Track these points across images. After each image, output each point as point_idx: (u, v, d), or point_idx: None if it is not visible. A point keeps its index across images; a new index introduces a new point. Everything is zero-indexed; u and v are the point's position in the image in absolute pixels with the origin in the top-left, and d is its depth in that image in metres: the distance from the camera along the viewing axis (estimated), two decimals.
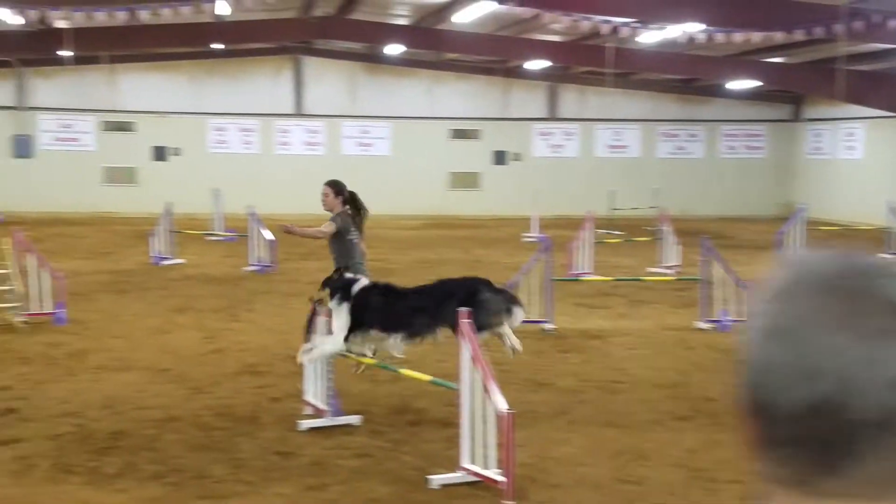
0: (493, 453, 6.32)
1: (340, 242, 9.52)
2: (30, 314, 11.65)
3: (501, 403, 6.17)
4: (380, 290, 8.21)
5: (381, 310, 7.98)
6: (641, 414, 8.29)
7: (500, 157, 31.04)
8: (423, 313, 7.93)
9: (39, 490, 6.30)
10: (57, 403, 8.27)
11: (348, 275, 8.37)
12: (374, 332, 8.01)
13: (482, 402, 6.41)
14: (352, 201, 9.87)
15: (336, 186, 9.90)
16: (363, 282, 8.29)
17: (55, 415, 7.94)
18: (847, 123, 29.29)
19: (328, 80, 30.09)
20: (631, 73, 29.19)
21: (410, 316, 7.92)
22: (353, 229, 9.65)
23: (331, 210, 9.75)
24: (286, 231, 9.72)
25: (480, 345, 6.69)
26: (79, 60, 26.75)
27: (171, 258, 17.83)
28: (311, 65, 29.95)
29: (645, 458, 7.12)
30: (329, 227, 9.52)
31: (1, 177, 27.90)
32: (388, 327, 7.94)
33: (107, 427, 7.65)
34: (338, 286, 8.14)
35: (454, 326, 7.09)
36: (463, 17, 21.26)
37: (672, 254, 17.76)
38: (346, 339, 7.97)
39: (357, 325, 7.96)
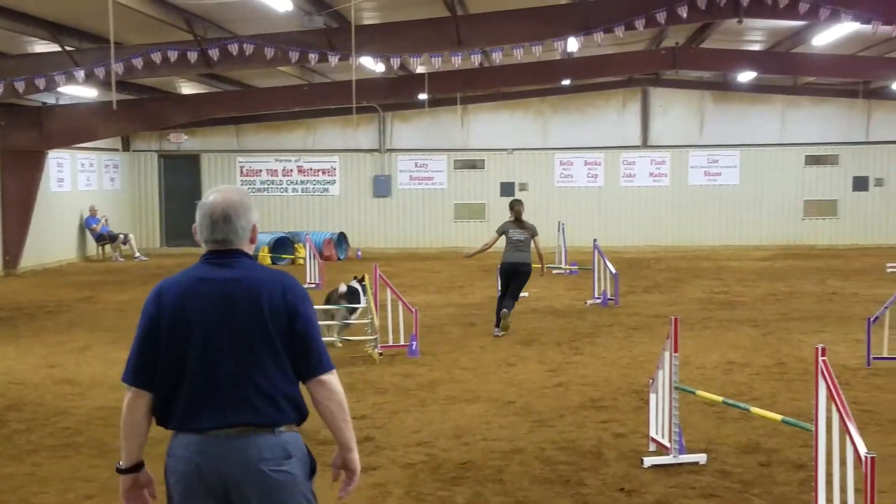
0: (851, 499, 5.89)
1: (504, 241, 13.67)
2: (386, 346, 12.40)
3: (861, 446, 5.74)
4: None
5: None
6: None
7: (860, 183, 29.21)
8: None
9: None
10: (409, 433, 8.68)
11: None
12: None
13: (839, 443, 6.01)
14: (511, 210, 13.94)
15: (510, 204, 14.13)
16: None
17: (408, 444, 8.30)
18: None
19: (675, 110, 29.78)
20: None
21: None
22: (510, 230, 13.66)
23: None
24: (468, 256, 14.62)
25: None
26: (433, 103, 28.35)
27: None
28: (659, 96, 29.79)
29: None
30: (490, 238, 13.99)
31: (362, 215, 30.07)
32: None
33: (456, 457, 7.91)
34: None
35: None
36: (822, 40, 20.28)
37: None
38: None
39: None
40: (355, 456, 3.89)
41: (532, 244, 13.68)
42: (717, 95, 29.54)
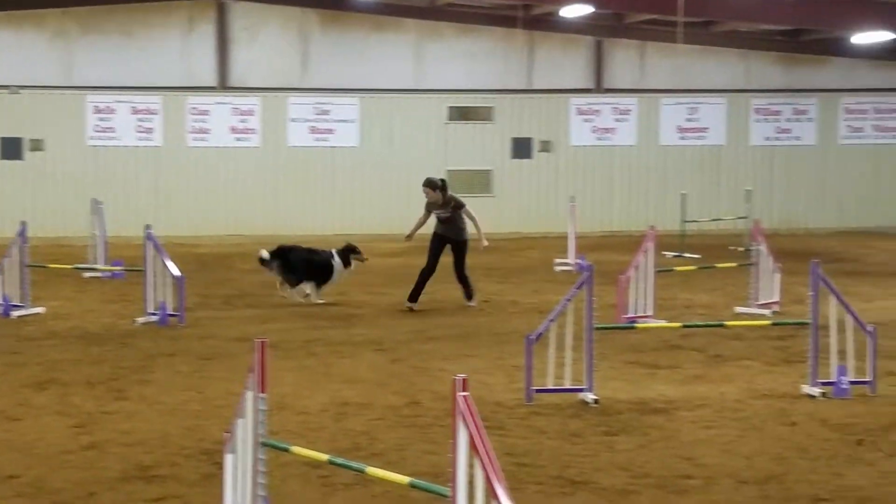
0: None
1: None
2: None
3: None
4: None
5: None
6: None
7: (521, 148, 31.15)
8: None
9: None
10: None
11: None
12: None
13: None
14: (444, 190, 19.11)
15: (429, 184, 19.12)
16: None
17: None
18: None
19: (267, 37, 30.24)
20: (712, 22, 29.31)
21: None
22: (436, 210, 19.08)
23: (434, 202, 19.04)
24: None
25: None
26: None
27: (26, 306, 17.85)
28: (243, 14, 30.10)
29: None
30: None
31: None
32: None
33: None
34: None
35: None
36: None
37: (770, 286, 17.77)
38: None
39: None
40: None
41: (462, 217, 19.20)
42: (326, 17, 30.33)
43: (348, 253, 19.56)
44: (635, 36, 31.13)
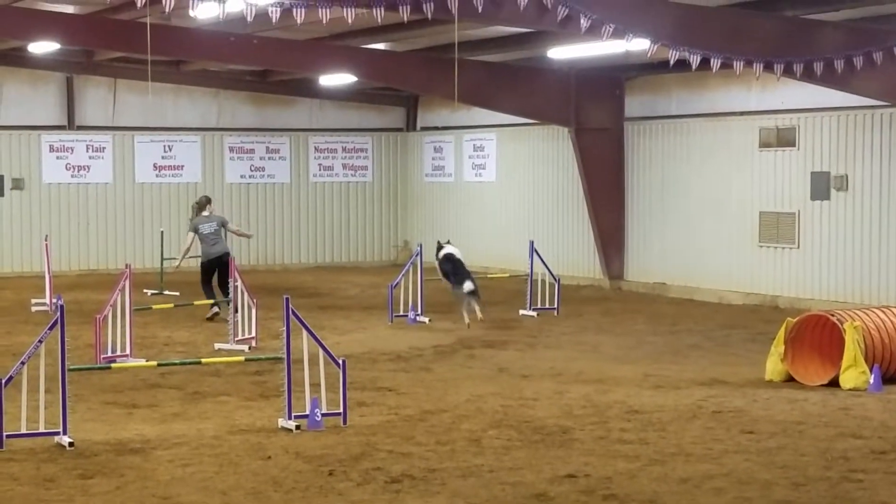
0: None
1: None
2: None
3: None
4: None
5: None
6: None
7: None
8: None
9: None
10: None
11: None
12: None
13: None
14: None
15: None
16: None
17: None
18: (474, 133, 31.44)
19: None
20: (183, 61, 29.45)
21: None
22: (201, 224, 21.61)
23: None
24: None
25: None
26: None
27: None
28: None
29: None
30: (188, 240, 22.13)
31: None
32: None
33: None
34: None
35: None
36: None
37: (247, 322, 17.96)
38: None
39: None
40: None
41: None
42: None
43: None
44: (106, 73, 30.66)
